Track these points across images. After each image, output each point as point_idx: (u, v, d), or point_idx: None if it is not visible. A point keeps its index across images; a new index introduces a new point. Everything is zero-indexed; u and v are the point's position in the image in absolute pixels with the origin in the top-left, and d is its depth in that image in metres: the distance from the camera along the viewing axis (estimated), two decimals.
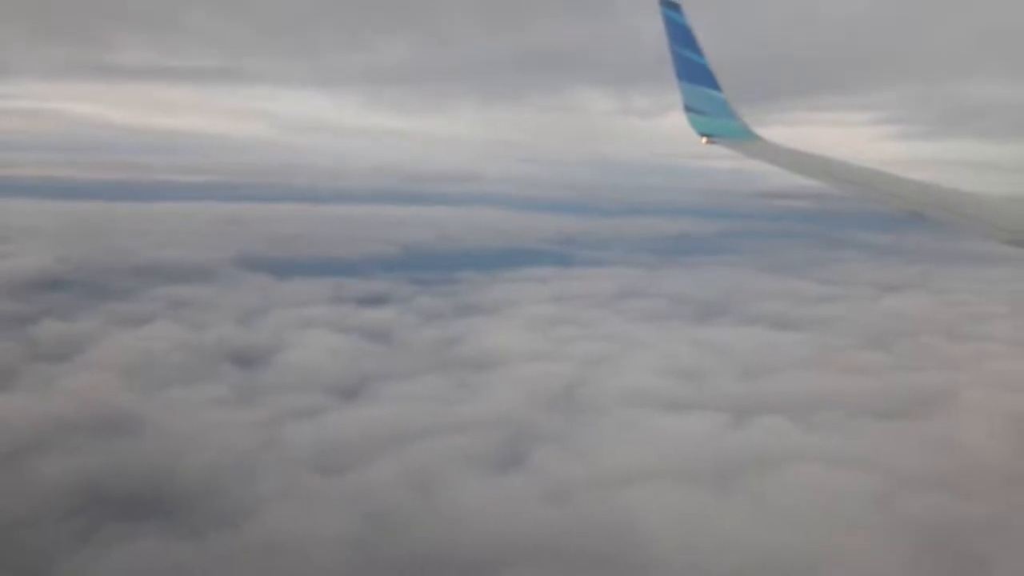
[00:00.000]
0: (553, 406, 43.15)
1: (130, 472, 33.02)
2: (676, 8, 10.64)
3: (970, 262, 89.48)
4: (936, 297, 79.75)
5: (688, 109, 10.78)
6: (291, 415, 41.10)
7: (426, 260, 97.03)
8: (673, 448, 36.57)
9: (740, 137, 10.79)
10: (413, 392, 46.51)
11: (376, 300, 74.55)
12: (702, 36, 10.88)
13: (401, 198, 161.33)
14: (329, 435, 38.46)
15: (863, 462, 34.09)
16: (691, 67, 10.73)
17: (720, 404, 43.02)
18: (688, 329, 62.27)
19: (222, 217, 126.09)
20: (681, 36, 10.66)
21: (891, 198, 8.22)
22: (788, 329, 62.45)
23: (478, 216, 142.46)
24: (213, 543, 27.71)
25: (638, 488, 32.15)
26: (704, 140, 10.51)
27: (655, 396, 44.47)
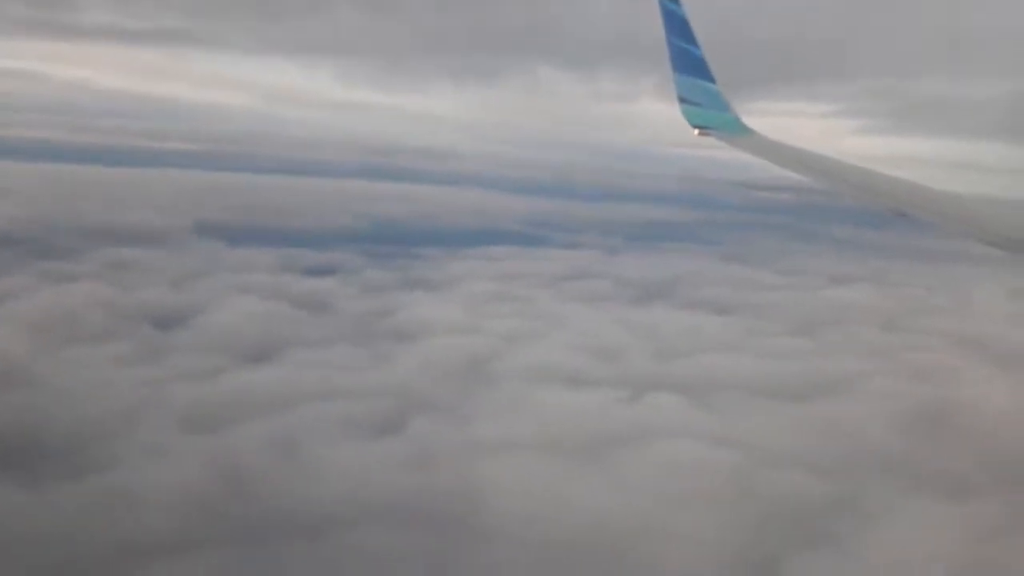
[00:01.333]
0: (454, 378, 42.90)
1: None
2: None
3: (943, 260, 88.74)
4: (886, 290, 79.37)
5: (682, 100, 10.77)
6: (186, 376, 40.84)
7: (389, 235, 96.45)
8: (556, 421, 36.35)
9: (732, 130, 10.81)
10: (323, 359, 46.28)
11: (324, 271, 74.29)
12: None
13: (376, 173, 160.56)
14: (216, 396, 38.21)
15: (738, 441, 33.87)
16: (687, 58, 10.78)
17: (623, 382, 42.80)
18: (622, 311, 61.97)
19: (191, 184, 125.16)
20: (678, 27, 10.70)
21: (876, 196, 8.20)
22: (723, 314, 62.13)
23: (451, 195, 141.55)
24: (51, 494, 27.47)
25: (504, 458, 31.97)
26: (696, 132, 10.49)
27: (560, 372, 44.23)
